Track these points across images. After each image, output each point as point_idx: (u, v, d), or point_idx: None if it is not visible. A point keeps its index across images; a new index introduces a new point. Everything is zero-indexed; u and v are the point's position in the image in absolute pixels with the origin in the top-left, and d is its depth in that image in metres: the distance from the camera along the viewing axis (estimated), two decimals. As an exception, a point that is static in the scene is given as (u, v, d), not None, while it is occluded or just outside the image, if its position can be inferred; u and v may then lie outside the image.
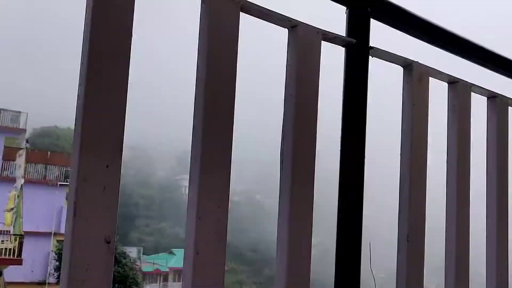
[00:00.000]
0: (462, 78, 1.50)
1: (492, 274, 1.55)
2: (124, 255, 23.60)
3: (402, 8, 1.39)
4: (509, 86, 1.73)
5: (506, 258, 1.58)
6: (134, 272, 23.92)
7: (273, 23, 1.12)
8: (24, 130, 31.03)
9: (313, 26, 1.15)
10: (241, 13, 1.04)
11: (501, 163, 1.61)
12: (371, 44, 1.27)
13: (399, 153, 1.36)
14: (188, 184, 0.97)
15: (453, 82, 1.49)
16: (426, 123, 1.38)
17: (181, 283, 0.96)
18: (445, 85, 1.50)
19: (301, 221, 1.08)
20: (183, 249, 0.96)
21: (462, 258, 1.43)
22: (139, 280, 24.24)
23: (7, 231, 20.98)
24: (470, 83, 1.52)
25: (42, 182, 27.85)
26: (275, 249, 1.06)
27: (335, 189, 1.19)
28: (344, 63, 1.25)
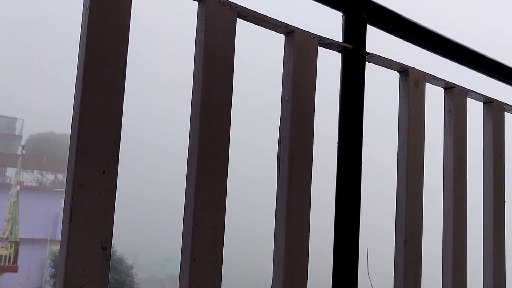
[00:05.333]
0: (458, 84, 1.50)
1: (489, 278, 1.55)
2: (120, 261, 23.49)
3: (398, 14, 1.40)
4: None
5: (503, 262, 1.58)
6: (131, 278, 23.82)
7: (270, 29, 1.13)
8: (20, 137, 30.97)
9: (310, 32, 1.16)
10: (237, 19, 1.04)
11: (497, 167, 1.62)
12: (367, 49, 1.28)
13: (396, 158, 1.36)
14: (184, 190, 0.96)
15: (449, 88, 1.50)
16: (423, 129, 1.38)
17: (177, 289, 0.95)
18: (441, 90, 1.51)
19: (299, 226, 1.08)
20: (179, 256, 0.95)
21: (460, 262, 1.43)
22: (135, 287, 24.12)
23: (2, 238, 20.88)
24: (467, 88, 1.53)
25: (38, 189, 27.74)
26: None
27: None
28: (341, 68, 1.25)
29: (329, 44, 1.20)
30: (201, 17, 1.00)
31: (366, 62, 1.28)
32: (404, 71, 1.37)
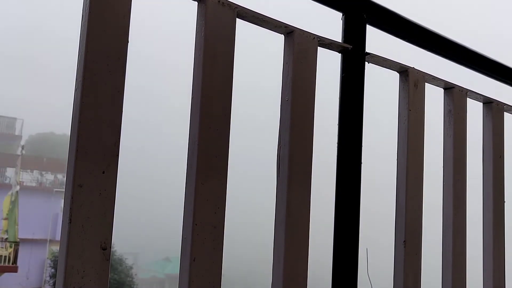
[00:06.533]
0: (458, 84, 1.50)
1: (489, 278, 1.55)
2: (120, 261, 23.48)
3: (398, 14, 1.40)
4: None
5: (503, 262, 1.58)
6: (130, 279, 23.81)
7: (269, 29, 1.13)
8: (19, 137, 30.98)
9: (309, 32, 1.16)
10: (237, 19, 1.04)
11: (497, 167, 1.62)
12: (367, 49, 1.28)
13: (396, 158, 1.36)
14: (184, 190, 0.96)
15: (449, 88, 1.50)
16: (422, 129, 1.38)
17: (177, 289, 0.95)
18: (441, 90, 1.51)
19: (298, 226, 1.08)
20: (179, 256, 0.95)
21: (459, 262, 1.43)
22: (135, 287, 24.11)
23: (2, 238, 20.85)
24: (466, 88, 1.53)
25: (38, 189, 27.72)
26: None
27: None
28: (340, 69, 1.25)
29: (328, 44, 1.20)
30: (200, 17, 1.00)
31: (366, 62, 1.28)
32: (404, 71, 1.37)
